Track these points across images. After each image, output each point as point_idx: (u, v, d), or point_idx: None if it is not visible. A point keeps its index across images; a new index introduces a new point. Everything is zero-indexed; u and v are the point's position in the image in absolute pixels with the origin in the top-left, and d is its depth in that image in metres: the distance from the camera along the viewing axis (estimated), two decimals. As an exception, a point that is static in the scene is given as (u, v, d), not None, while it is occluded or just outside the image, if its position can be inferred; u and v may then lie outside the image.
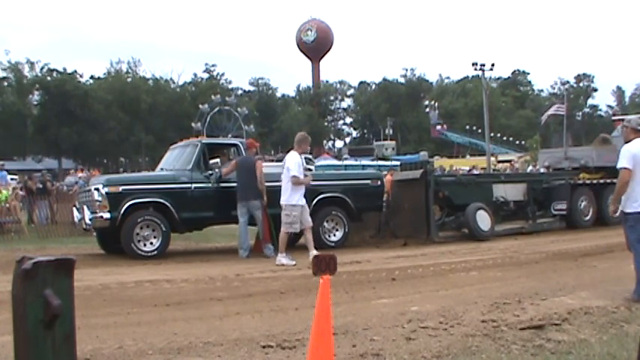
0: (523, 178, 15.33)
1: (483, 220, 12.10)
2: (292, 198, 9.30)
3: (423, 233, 11.81)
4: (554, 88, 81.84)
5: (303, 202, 9.45)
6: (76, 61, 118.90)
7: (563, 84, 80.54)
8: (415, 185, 12.13)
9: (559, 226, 13.60)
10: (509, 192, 13.43)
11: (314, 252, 8.82)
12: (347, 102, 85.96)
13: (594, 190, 13.72)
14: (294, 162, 9.34)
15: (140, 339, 4.77)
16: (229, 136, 34.83)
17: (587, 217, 13.63)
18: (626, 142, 6.08)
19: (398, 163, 22.24)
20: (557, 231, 13.21)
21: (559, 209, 13.40)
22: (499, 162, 41.67)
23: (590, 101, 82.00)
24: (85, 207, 10.54)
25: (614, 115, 43.10)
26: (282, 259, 9.15)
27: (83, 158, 60.03)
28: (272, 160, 25.63)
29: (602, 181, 13.73)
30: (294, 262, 9.05)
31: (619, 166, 5.98)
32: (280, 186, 9.59)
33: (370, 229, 12.48)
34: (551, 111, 36.99)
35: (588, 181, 13.93)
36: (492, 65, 38.15)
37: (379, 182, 12.28)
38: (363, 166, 26.31)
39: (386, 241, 11.90)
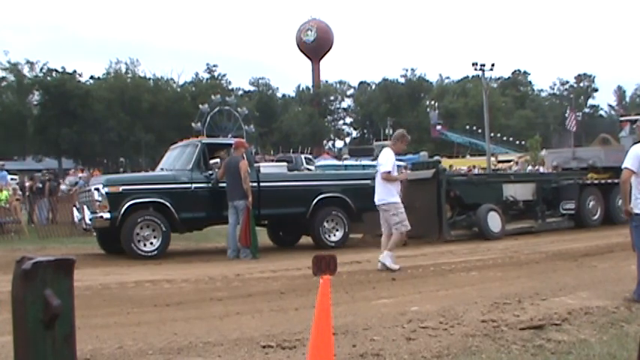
0: (532, 178, 15.47)
1: (495, 221, 12.22)
2: (389, 196, 8.47)
3: (435, 232, 11.89)
4: (553, 89, 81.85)
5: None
6: (75, 61, 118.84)
7: (563, 84, 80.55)
8: (427, 185, 12.17)
9: (567, 225, 13.67)
10: (519, 191, 13.58)
11: (388, 260, 8.17)
12: (347, 102, 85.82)
13: (602, 189, 13.84)
14: (386, 158, 8.58)
15: (140, 339, 4.76)
16: (229, 136, 34.81)
17: (595, 217, 13.75)
18: (638, 142, 6.09)
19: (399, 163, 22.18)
20: (557, 231, 13.23)
21: (567, 209, 13.52)
22: (499, 162, 41.60)
23: (590, 101, 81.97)
24: (85, 207, 10.55)
25: (621, 115, 42.87)
26: (388, 259, 8.23)
27: (83, 158, 59.87)
28: (272, 160, 25.62)
29: (609, 180, 13.80)
30: (398, 267, 8.19)
31: (622, 165, 6.03)
32: (280, 186, 9.54)
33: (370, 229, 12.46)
34: (572, 120, 37.05)
35: (596, 181, 14.07)
36: (492, 65, 38.17)
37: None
38: (364, 166, 26.29)
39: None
